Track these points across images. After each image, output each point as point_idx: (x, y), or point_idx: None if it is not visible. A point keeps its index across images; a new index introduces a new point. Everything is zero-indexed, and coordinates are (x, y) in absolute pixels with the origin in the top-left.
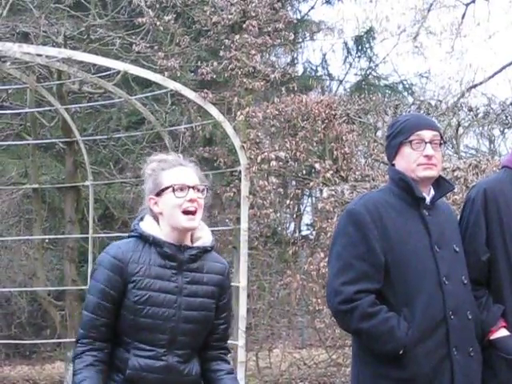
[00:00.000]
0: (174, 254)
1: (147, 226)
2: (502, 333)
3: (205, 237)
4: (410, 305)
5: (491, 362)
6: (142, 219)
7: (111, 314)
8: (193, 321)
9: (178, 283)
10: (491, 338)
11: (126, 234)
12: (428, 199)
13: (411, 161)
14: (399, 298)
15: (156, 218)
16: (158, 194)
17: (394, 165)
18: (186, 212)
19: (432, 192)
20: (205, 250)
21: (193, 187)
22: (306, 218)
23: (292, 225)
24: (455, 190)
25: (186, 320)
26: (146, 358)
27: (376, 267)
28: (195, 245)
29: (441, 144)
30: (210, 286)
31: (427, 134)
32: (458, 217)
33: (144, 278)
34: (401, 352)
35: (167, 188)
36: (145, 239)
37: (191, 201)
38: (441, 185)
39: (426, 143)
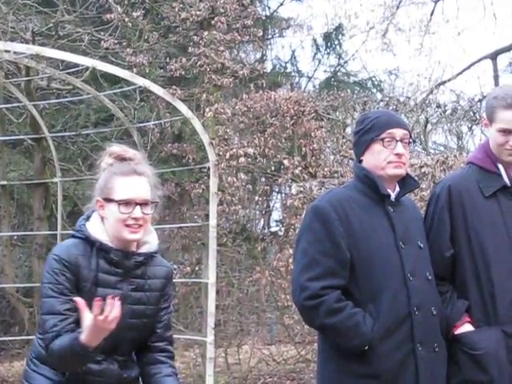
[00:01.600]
0: (121, 260)
1: (94, 229)
2: (467, 328)
3: (151, 242)
4: (376, 301)
5: (456, 357)
6: (88, 218)
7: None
8: (136, 328)
9: (123, 291)
10: (456, 333)
11: None
12: (393, 196)
13: (381, 158)
14: (364, 294)
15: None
16: (105, 200)
17: (361, 161)
18: (128, 226)
19: (397, 189)
20: (150, 256)
21: (140, 204)
22: (275, 215)
23: (261, 221)
24: (423, 187)
25: (129, 328)
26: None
27: (341, 263)
28: (141, 251)
29: (409, 143)
30: (154, 292)
31: (398, 133)
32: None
33: (91, 285)
34: (366, 348)
35: (113, 200)
36: (91, 243)
37: (135, 219)
38: (406, 182)
39: (396, 141)
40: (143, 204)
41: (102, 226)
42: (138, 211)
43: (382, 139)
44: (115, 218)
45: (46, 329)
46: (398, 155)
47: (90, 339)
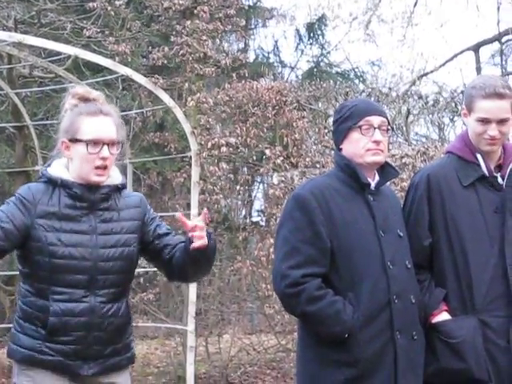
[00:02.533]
0: (84, 194)
1: (55, 170)
2: (444, 316)
3: (113, 176)
4: (356, 289)
5: (432, 346)
6: (49, 166)
7: (13, 232)
8: (111, 258)
9: (92, 223)
10: (433, 321)
11: None
12: (373, 185)
13: (360, 146)
14: (345, 283)
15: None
16: (71, 140)
17: (341, 149)
18: (96, 167)
19: (377, 177)
20: (116, 188)
21: (108, 144)
22: (257, 204)
23: (243, 211)
24: (404, 177)
25: (103, 258)
26: (67, 302)
27: (322, 252)
28: (105, 183)
29: (388, 130)
30: (129, 221)
31: (376, 120)
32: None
33: (55, 220)
34: (346, 335)
35: (81, 140)
36: (53, 183)
37: (103, 159)
38: (386, 170)
39: (374, 129)
40: (110, 144)
41: (64, 168)
42: (105, 151)
43: (360, 127)
44: (82, 159)
45: None
46: (376, 142)
47: None
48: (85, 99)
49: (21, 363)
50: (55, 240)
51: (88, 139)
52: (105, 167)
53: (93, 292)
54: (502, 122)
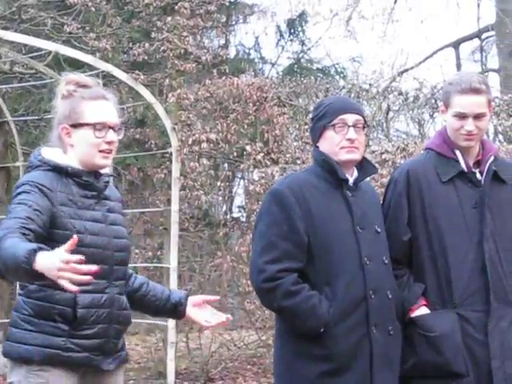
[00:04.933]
0: (93, 182)
1: (59, 157)
2: (423, 311)
3: None
4: (332, 284)
5: (411, 340)
6: (40, 154)
7: (43, 227)
8: (122, 249)
9: (103, 212)
10: (412, 315)
11: None
12: (351, 180)
13: (334, 144)
14: (321, 278)
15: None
16: (74, 126)
17: (317, 147)
18: (101, 151)
19: (355, 173)
20: (111, 176)
21: (113, 128)
22: (238, 200)
23: (223, 207)
24: (383, 173)
25: (117, 248)
26: (93, 293)
27: (299, 247)
28: (103, 171)
29: (364, 127)
30: (121, 214)
31: (350, 118)
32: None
33: (76, 208)
34: (322, 330)
35: (87, 124)
36: (59, 170)
37: (109, 143)
38: (364, 167)
39: (348, 127)
40: (115, 128)
41: (65, 155)
42: (111, 134)
43: (334, 125)
44: (88, 143)
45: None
46: (350, 140)
47: (41, 267)
48: (82, 85)
49: (34, 364)
50: (82, 228)
51: (95, 122)
52: (109, 151)
53: (111, 283)
54: (478, 117)
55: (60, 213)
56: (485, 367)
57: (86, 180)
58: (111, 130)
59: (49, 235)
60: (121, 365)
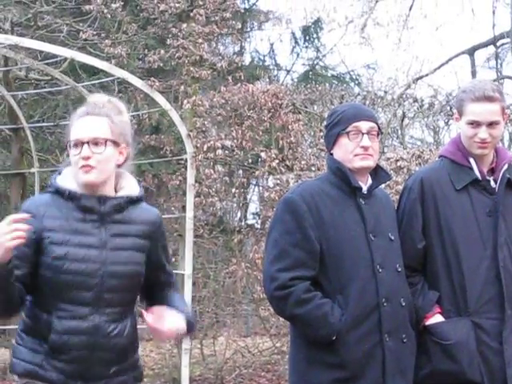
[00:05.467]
0: (93, 206)
1: (64, 180)
2: (437, 319)
3: (128, 186)
4: (344, 292)
5: (426, 348)
6: (60, 173)
7: (27, 263)
8: (120, 276)
9: (102, 236)
10: (426, 323)
11: None
12: (365, 188)
13: (348, 151)
14: (333, 286)
15: None
16: (68, 145)
17: (332, 154)
18: (81, 167)
19: (369, 181)
20: (131, 201)
21: (87, 142)
22: (252, 207)
23: (238, 213)
24: (398, 180)
25: (112, 275)
26: (71, 319)
27: (311, 255)
28: (118, 195)
29: (378, 134)
30: (139, 239)
31: (364, 125)
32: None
33: (61, 234)
34: (334, 338)
35: (68, 144)
36: (61, 194)
37: (84, 158)
38: (378, 174)
39: (362, 134)
40: (93, 143)
41: (72, 177)
42: (85, 150)
43: (348, 133)
44: (72, 162)
45: None
46: (364, 148)
47: None
48: (86, 103)
49: (22, 377)
50: (59, 255)
51: (71, 140)
52: (87, 166)
53: (98, 310)
54: (491, 124)
55: (45, 239)
56: (500, 375)
57: (84, 204)
58: (85, 146)
59: (37, 262)
60: None
